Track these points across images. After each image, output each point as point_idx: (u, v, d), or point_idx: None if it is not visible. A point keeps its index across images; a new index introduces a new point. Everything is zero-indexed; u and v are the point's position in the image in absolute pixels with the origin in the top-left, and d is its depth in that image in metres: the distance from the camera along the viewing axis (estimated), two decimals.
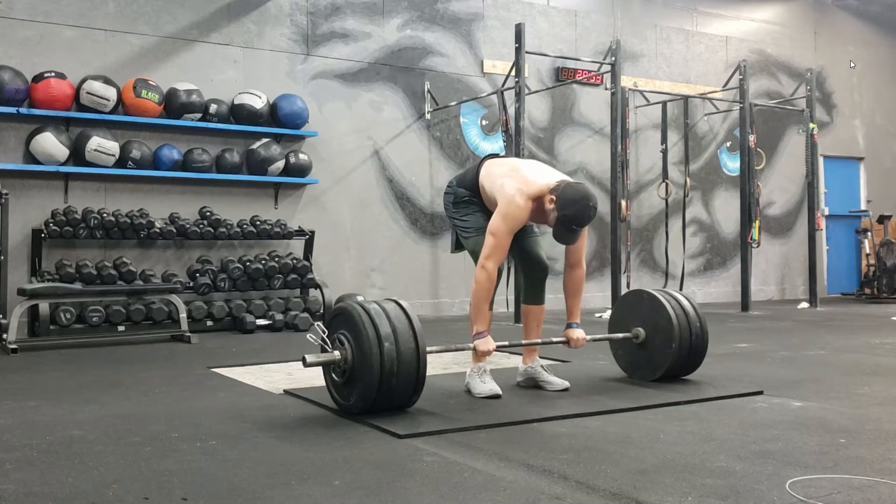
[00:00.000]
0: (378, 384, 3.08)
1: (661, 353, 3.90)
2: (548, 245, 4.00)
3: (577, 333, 3.85)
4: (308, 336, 3.45)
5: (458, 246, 3.99)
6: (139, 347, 5.80)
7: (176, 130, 7.21)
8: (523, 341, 3.91)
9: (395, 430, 2.97)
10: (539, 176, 3.67)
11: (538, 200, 3.58)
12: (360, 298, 7.75)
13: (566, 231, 3.56)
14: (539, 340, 3.88)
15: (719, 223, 10.47)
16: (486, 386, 3.65)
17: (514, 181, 3.61)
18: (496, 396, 3.61)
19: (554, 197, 3.53)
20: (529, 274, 3.95)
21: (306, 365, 3.19)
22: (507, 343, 3.78)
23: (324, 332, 3.29)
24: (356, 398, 3.18)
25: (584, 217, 3.53)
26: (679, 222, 9.66)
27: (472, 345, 3.59)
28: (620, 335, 4.09)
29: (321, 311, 7.21)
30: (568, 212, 3.50)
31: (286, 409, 3.48)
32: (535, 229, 3.98)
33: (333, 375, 3.30)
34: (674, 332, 3.84)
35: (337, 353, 3.21)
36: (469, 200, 3.85)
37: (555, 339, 3.84)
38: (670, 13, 10.28)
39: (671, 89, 9.90)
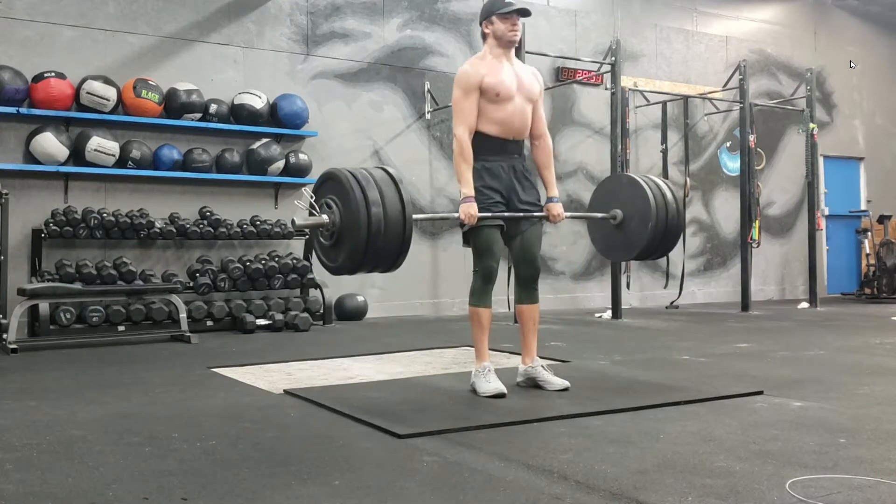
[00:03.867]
0: (365, 244, 3.14)
1: (637, 233, 3.99)
2: (548, 245, 4.00)
3: (557, 208, 3.91)
4: (296, 202, 3.53)
5: (466, 241, 3.97)
6: (139, 347, 5.80)
7: (176, 130, 7.21)
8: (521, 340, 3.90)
9: (395, 430, 2.97)
10: None
11: (484, 55, 3.79)
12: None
13: (504, 25, 3.73)
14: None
15: (719, 223, 10.47)
16: (492, 385, 3.65)
17: None
18: (501, 395, 3.61)
19: (482, 24, 3.80)
20: (520, 274, 3.93)
21: (295, 227, 3.29)
22: (489, 214, 3.69)
23: (311, 197, 3.33)
24: (344, 258, 3.24)
25: None
26: None
27: (457, 215, 3.64)
28: (599, 215, 4.16)
29: (321, 311, 7.21)
30: (486, 6, 3.78)
31: (286, 409, 3.48)
32: (539, 230, 3.94)
33: (322, 239, 3.36)
34: (650, 213, 3.91)
35: (325, 216, 3.27)
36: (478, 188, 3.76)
37: (537, 215, 3.85)
38: (670, 13, 10.27)
39: (671, 89, 9.90)
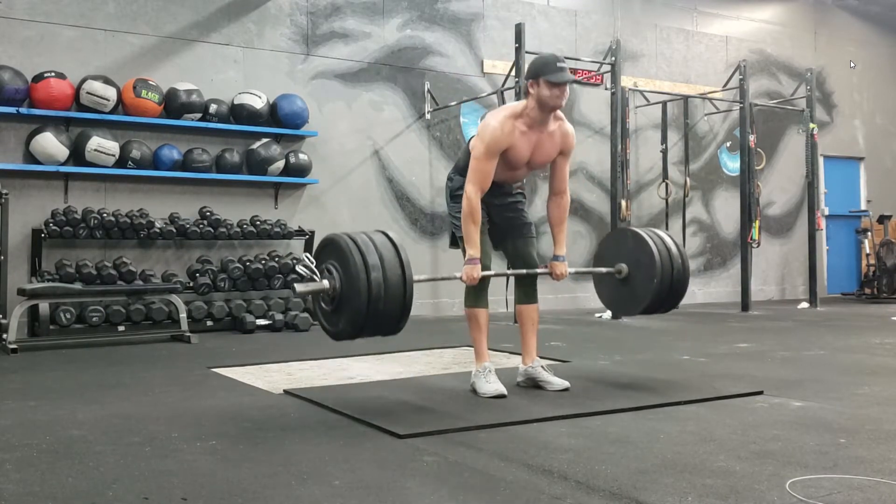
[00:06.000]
0: (366, 309, 3.13)
1: (642, 288, 3.98)
2: (549, 245, 4.00)
3: (561, 268, 3.90)
4: (297, 267, 3.51)
5: (454, 241, 3.99)
6: (139, 347, 5.80)
7: (176, 130, 7.21)
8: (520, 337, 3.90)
9: (395, 430, 2.97)
10: None
11: (521, 112, 3.64)
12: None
13: (550, 92, 3.55)
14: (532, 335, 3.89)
15: (719, 223, 10.47)
16: (492, 386, 3.65)
17: None
18: (501, 396, 3.61)
19: (527, 81, 3.61)
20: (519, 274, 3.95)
21: (296, 294, 3.27)
22: (492, 272, 3.74)
23: (312, 263, 3.33)
24: (345, 323, 3.23)
25: (551, 60, 3.57)
26: (679, 222, 9.66)
27: (458, 275, 3.63)
28: (604, 269, 4.15)
29: None
30: (535, 64, 3.59)
31: (286, 409, 3.48)
32: (531, 231, 3.96)
33: (322, 304, 3.35)
34: (655, 268, 3.90)
35: (325, 282, 3.26)
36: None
37: (538, 270, 3.85)
38: (670, 13, 10.27)
39: (671, 89, 9.90)
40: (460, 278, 3.62)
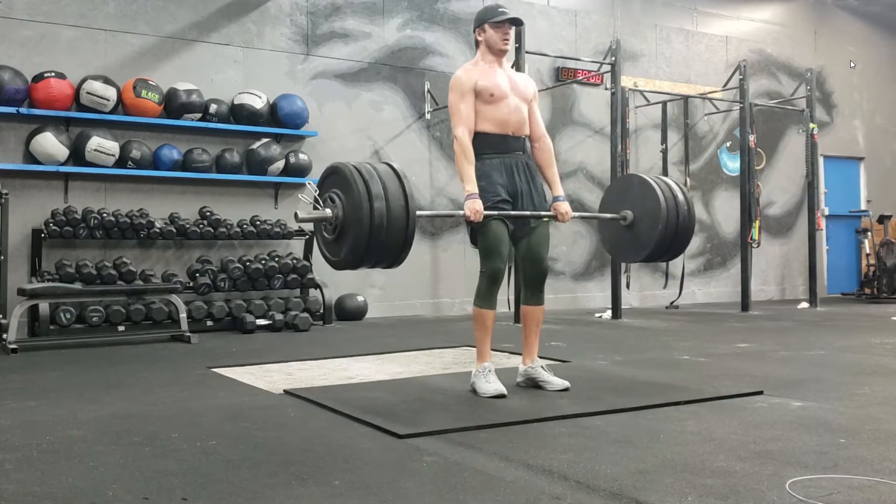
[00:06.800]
0: (368, 238, 3.13)
1: (647, 234, 3.96)
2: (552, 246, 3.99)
3: (565, 206, 3.90)
4: (300, 195, 3.51)
5: (474, 239, 3.94)
6: (139, 347, 5.80)
7: (176, 130, 7.21)
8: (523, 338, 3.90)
9: (395, 430, 2.97)
10: None
11: (476, 62, 3.84)
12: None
13: (495, 34, 3.78)
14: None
15: (719, 223, 10.47)
16: (492, 386, 3.65)
17: None
18: (501, 396, 3.60)
19: (474, 32, 3.86)
20: (529, 275, 3.94)
21: (298, 220, 3.29)
22: (495, 213, 3.66)
23: (315, 191, 3.33)
24: (346, 252, 3.22)
25: (492, 6, 3.80)
26: None
27: (462, 212, 3.61)
28: (609, 215, 4.13)
29: (321, 311, 7.21)
30: (479, 13, 3.83)
31: (286, 409, 3.48)
32: (547, 228, 3.92)
33: (325, 233, 3.36)
34: (661, 214, 3.89)
35: (328, 210, 3.26)
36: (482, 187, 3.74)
37: (543, 214, 3.81)
38: (670, 13, 10.27)
39: (671, 89, 9.90)
40: (464, 215, 3.61)
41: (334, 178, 3.30)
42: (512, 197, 3.77)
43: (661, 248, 3.97)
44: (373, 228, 3.11)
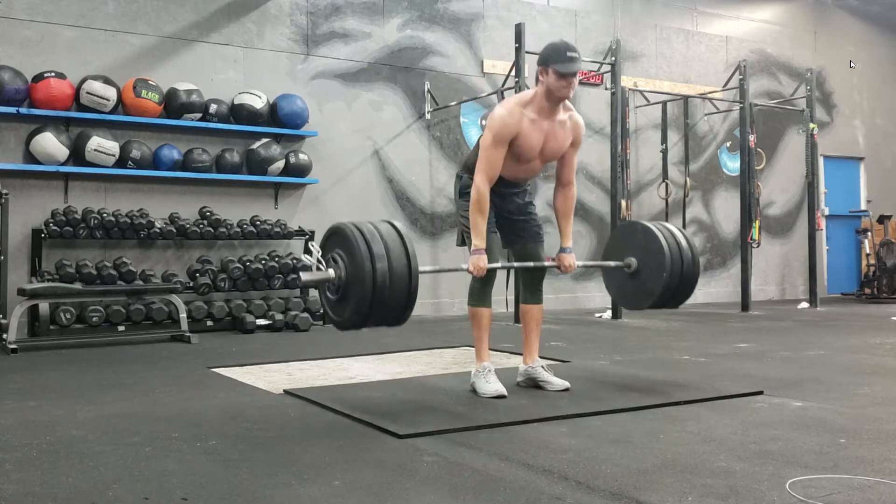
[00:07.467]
0: (371, 298, 3.12)
1: (652, 282, 3.94)
2: (549, 246, 3.99)
3: (569, 259, 3.89)
4: (303, 256, 3.51)
5: (463, 240, 3.97)
6: (139, 347, 5.80)
7: (176, 130, 7.21)
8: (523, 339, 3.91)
9: (395, 430, 2.97)
10: None
11: (531, 100, 3.60)
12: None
13: (557, 83, 3.50)
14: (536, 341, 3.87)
15: (719, 223, 10.47)
16: (492, 386, 3.65)
17: None
18: (501, 397, 3.60)
19: (538, 67, 3.55)
20: (527, 275, 3.95)
21: (301, 283, 3.28)
22: (499, 265, 3.70)
23: (318, 253, 3.33)
24: (349, 313, 3.22)
25: (561, 48, 3.53)
26: (679, 222, 9.66)
27: (465, 266, 3.60)
28: (613, 263, 4.12)
29: (321, 311, 7.21)
30: (546, 50, 3.54)
31: (286, 409, 3.48)
32: (542, 236, 3.95)
33: (328, 294, 3.35)
34: (665, 262, 3.86)
35: (331, 271, 3.26)
36: None
37: (546, 263, 3.83)
38: (670, 13, 10.27)
39: (671, 89, 9.90)
40: (467, 269, 3.59)
41: (336, 238, 3.30)
42: (497, 217, 3.79)
43: (666, 295, 3.93)
44: (375, 288, 3.11)
